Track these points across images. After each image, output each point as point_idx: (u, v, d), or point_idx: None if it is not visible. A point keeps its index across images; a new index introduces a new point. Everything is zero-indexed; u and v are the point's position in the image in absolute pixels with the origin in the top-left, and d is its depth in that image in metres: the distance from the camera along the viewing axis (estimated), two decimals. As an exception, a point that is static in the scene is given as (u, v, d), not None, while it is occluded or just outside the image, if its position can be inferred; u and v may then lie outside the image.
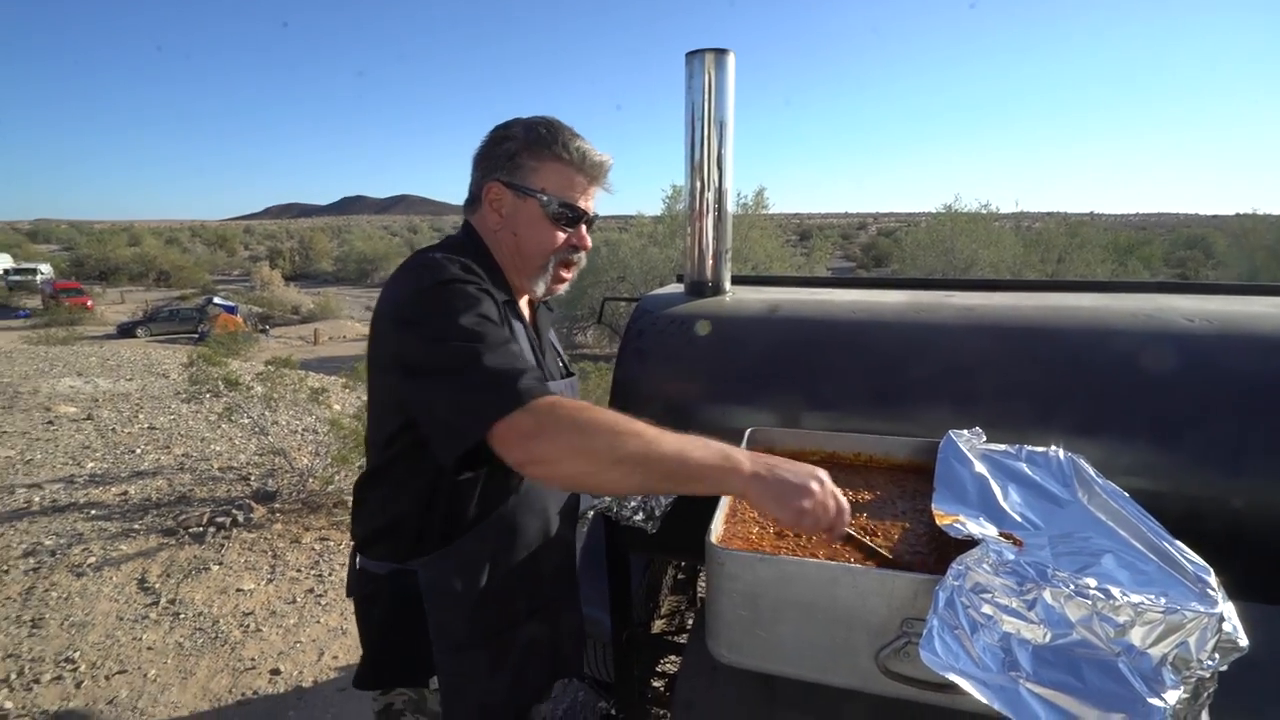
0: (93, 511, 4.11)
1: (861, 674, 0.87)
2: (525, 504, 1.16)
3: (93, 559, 3.51)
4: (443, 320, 0.96)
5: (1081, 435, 1.33)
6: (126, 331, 21.90)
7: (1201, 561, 0.81)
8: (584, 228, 1.20)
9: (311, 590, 3.26)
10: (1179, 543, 0.85)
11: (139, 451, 5.32)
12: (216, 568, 3.43)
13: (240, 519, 3.89)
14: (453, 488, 1.08)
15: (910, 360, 1.53)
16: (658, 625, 2.28)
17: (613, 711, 2.09)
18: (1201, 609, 0.72)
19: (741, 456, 0.88)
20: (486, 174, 1.16)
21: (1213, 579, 0.77)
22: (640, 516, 1.29)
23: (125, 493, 4.43)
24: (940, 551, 0.96)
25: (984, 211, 18.10)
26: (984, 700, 0.72)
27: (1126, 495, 0.98)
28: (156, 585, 3.27)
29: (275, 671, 2.66)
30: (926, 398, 1.48)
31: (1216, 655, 0.73)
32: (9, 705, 2.45)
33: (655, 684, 2.14)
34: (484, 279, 1.06)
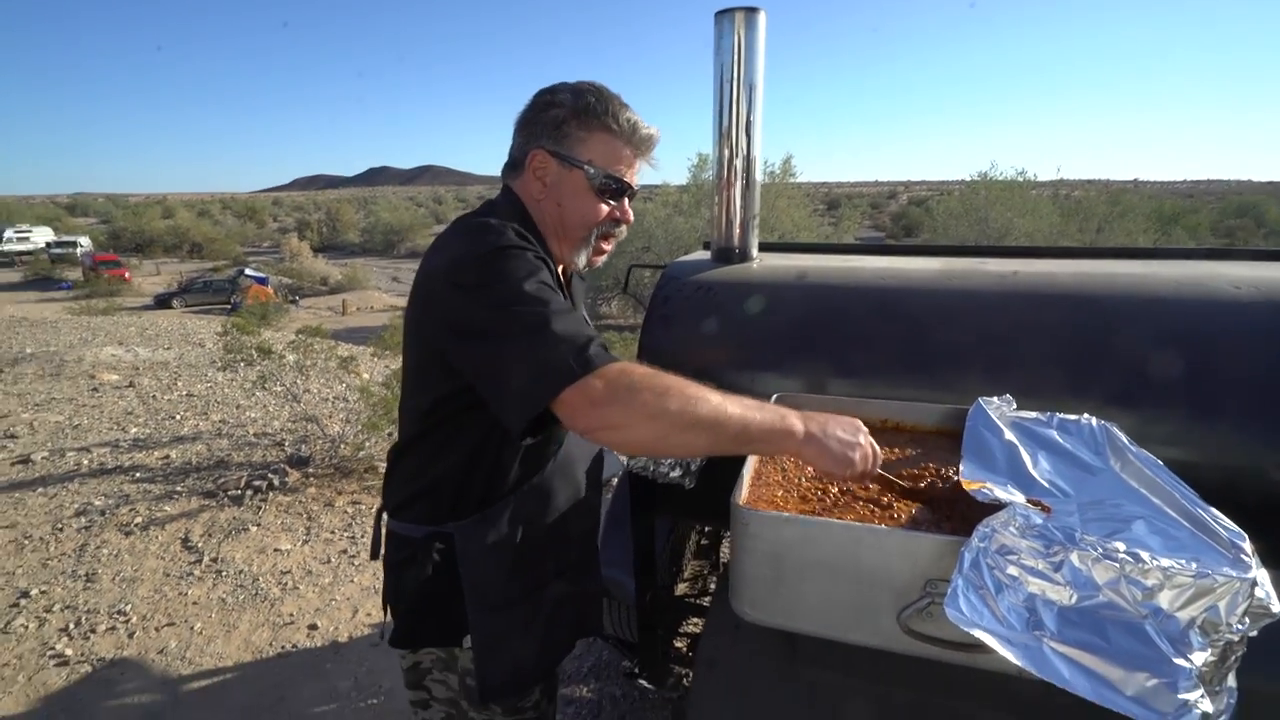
0: (137, 474, 4.29)
1: (883, 633, 0.88)
2: (560, 470, 1.18)
3: (139, 519, 3.67)
4: (507, 284, 0.96)
5: (1117, 404, 1.30)
6: (163, 302, 22.52)
7: (1237, 528, 0.79)
8: (627, 201, 1.19)
9: (345, 551, 3.37)
10: (1214, 510, 0.84)
11: (179, 417, 5.51)
12: (255, 528, 3.57)
13: (276, 483, 4.02)
14: (495, 454, 1.10)
15: (941, 327, 1.51)
16: (680, 588, 2.32)
17: (635, 670, 2.14)
18: (1234, 574, 0.71)
19: (795, 418, 0.92)
20: (531, 140, 1.13)
21: (1248, 545, 0.76)
22: (677, 473, 1.29)
23: (167, 456, 4.61)
24: (965, 516, 0.95)
25: (1020, 179, 17.49)
26: (1008, 657, 0.72)
27: (1160, 463, 0.96)
28: (199, 544, 3.41)
29: (313, 627, 2.78)
30: (957, 365, 1.46)
31: (1247, 620, 0.72)
32: (69, 652, 2.60)
33: (678, 644, 2.19)
34: (536, 245, 1.05)
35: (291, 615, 2.85)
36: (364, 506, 3.86)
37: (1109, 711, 0.69)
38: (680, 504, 1.58)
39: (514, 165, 1.18)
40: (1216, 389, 1.28)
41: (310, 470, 4.25)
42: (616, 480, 2.13)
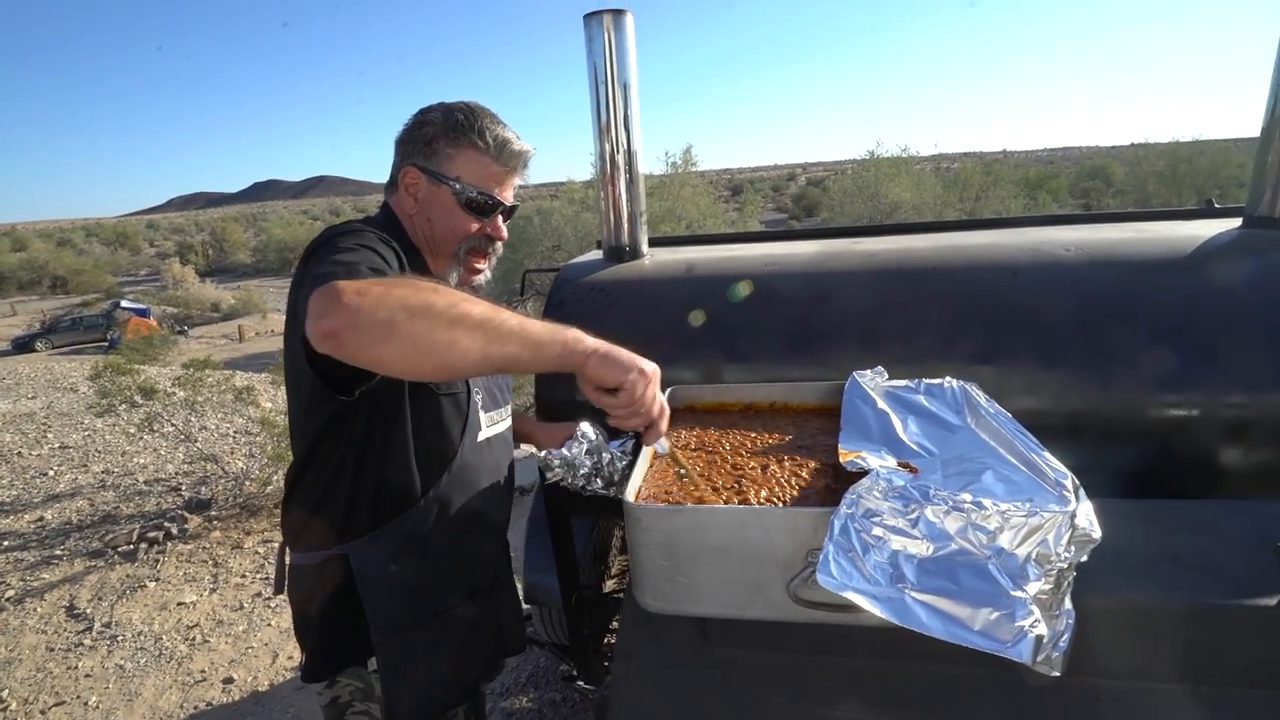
0: (5, 543, 3.86)
1: (776, 605, 0.93)
2: (457, 483, 1.16)
3: (11, 592, 3.31)
4: (331, 250, 0.96)
5: (977, 363, 1.43)
6: (23, 346, 20.18)
7: (1062, 467, 0.89)
8: (500, 218, 1.20)
9: (259, 594, 3.18)
10: (1047, 453, 0.94)
11: (52, 473, 4.99)
12: (153, 584, 3.30)
13: (174, 531, 3.73)
14: (378, 466, 1.07)
15: (819, 308, 1.60)
16: (610, 585, 2.34)
17: (572, 673, 2.15)
18: (1057, 509, 0.81)
19: (578, 337, 0.88)
20: (405, 158, 1.15)
21: (1069, 481, 0.86)
22: (599, 484, 1.24)
23: (41, 518, 4.17)
24: (844, 484, 1.02)
25: (905, 155, 18.59)
26: (875, 612, 0.79)
27: (1008, 415, 1.07)
28: (88, 610, 3.12)
29: (228, 680, 2.61)
30: (837, 342, 1.55)
31: (1073, 548, 0.82)
32: (-62, 753, 2.33)
33: (611, 641, 2.21)
34: (393, 243, 1.05)
35: (203, 671, 2.67)
36: (276, 544, 3.65)
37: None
38: (597, 503, 1.60)
39: (392, 183, 1.19)
40: (1054, 341, 1.43)
41: (213, 513, 3.97)
42: (535, 487, 2.12)
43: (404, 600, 1.12)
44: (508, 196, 1.19)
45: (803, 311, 1.61)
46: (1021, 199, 18.62)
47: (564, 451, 1.19)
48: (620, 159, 1.83)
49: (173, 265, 35.51)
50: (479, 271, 1.22)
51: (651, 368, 0.94)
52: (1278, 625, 0.92)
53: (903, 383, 1.23)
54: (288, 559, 1.18)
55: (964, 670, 0.97)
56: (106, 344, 19.10)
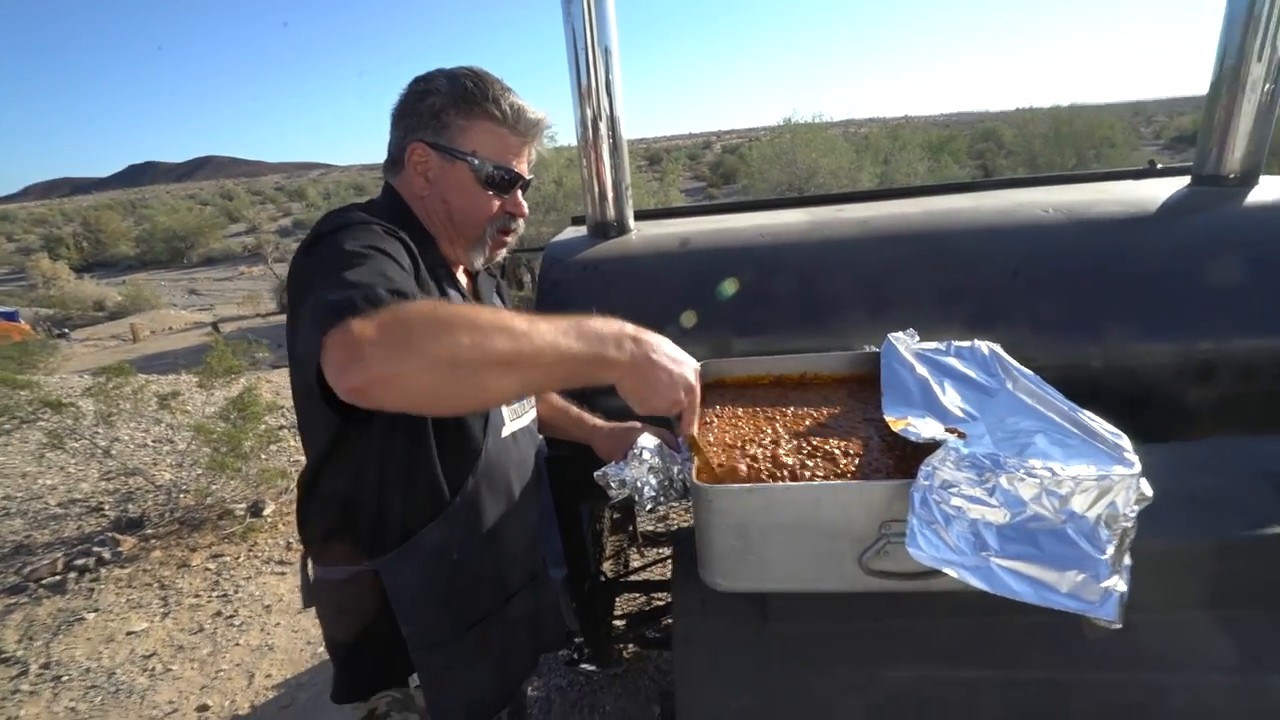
0: (-102, 587, 3.41)
1: (848, 578, 0.95)
2: (486, 483, 1.10)
3: (-82, 643, 2.94)
4: (331, 247, 0.87)
5: (980, 325, 1.49)
6: None
7: (1115, 429, 0.95)
8: (519, 193, 1.12)
9: (219, 613, 2.97)
10: (1089, 412, 1.00)
11: (-61, 504, 4.43)
12: (92, 615, 3.01)
13: (107, 555, 3.40)
14: (404, 473, 1.01)
15: (822, 276, 1.62)
16: (606, 567, 2.34)
17: (575, 656, 2.15)
18: (1126, 471, 0.85)
19: (611, 347, 0.81)
20: (409, 133, 1.04)
21: (1126, 441, 0.92)
22: (669, 498, 1.12)
23: (-63, 556, 3.71)
24: (897, 452, 1.05)
25: (817, 122, 19.06)
26: (968, 580, 0.81)
27: (1039, 377, 1.12)
28: (18, 653, 2.81)
29: (203, 708, 2.43)
30: (842, 311, 1.58)
31: (1135, 507, 0.87)
32: None
33: (615, 622, 2.22)
34: (401, 233, 0.96)
35: (171, 702, 2.47)
36: (228, 558, 3.40)
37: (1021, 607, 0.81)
38: (598, 488, 1.58)
39: (394, 161, 1.08)
40: (1043, 299, 1.51)
41: (148, 532, 3.65)
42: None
43: (441, 614, 1.07)
44: (525, 169, 1.11)
45: (805, 281, 1.62)
46: (926, 161, 19.57)
47: (624, 473, 1.07)
48: (604, 126, 1.76)
49: (40, 261, 31.72)
50: (503, 248, 1.15)
51: (692, 374, 0.91)
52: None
53: (932, 345, 1.26)
54: (310, 571, 1.11)
55: (1011, 619, 1.04)
56: (-29, 354, 16.99)
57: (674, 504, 1.19)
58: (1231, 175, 1.64)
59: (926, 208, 1.82)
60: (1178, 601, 1.03)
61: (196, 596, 3.10)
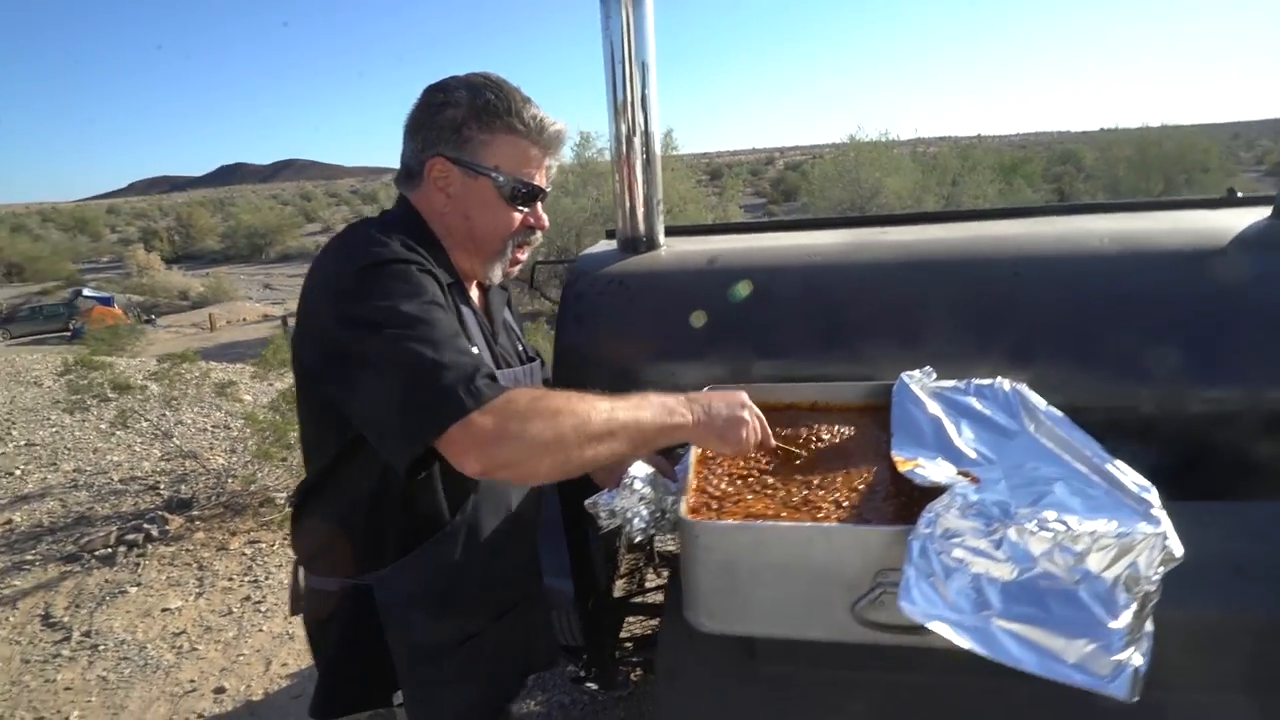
0: (-27, 547, 3.68)
1: (839, 626, 0.89)
2: (487, 501, 1.08)
3: (-18, 600, 3.16)
4: (385, 304, 0.86)
5: (1019, 360, 1.39)
6: (-20, 337, 19.44)
7: (1143, 480, 0.85)
8: (539, 205, 1.10)
9: (248, 598, 3.07)
10: (1120, 462, 0.90)
11: (19, 473, 4.77)
12: (134, 589, 3.17)
13: (155, 533, 3.58)
14: (406, 491, 0.99)
15: (853, 301, 1.55)
16: (619, 584, 2.30)
17: (581, 674, 2.11)
18: (1150, 529, 0.76)
19: (681, 407, 0.94)
20: (427, 146, 1.01)
21: (1154, 496, 0.82)
22: (659, 531, 1.08)
23: (9, 521, 3.98)
24: (904, 495, 0.97)
25: (884, 140, 18.65)
26: (963, 644, 0.74)
27: (1068, 419, 1.02)
28: (65, 619, 2.98)
29: (220, 690, 2.51)
30: (874, 337, 1.50)
31: (1160, 569, 0.78)
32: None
33: (622, 642, 2.17)
34: (427, 259, 0.96)
35: (193, 681, 2.56)
36: (264, 545, 3.53)
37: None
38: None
39: (410, 175, 1.06)
40: (1093, 335, 1.39)
41: (195, 513, 3.83)
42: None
43: (431, 631, 1.05)
44: (545, 181, 1.08)
45: (835, 305, 1.55)
46: (997, 184, 18.84)
47: (614, 502, 1.03)
48: (638, 142, 1.74)
49: (137, 252, 34.28)
50: (520, 263, 1.13)
51: (747, 415, 0.99)
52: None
53: (951, 383, 1.18)
54: (302, 579, 1.10)
55: (1013, 684, 0.94)
56: (69, 334, 18.45)
57: (667, 536, 1.14)
58: (1321, 209, 1.48)
59: (973, 233, 1.72)
60: (1209, 682, 0.91)
61: (230, 580, 3.22)
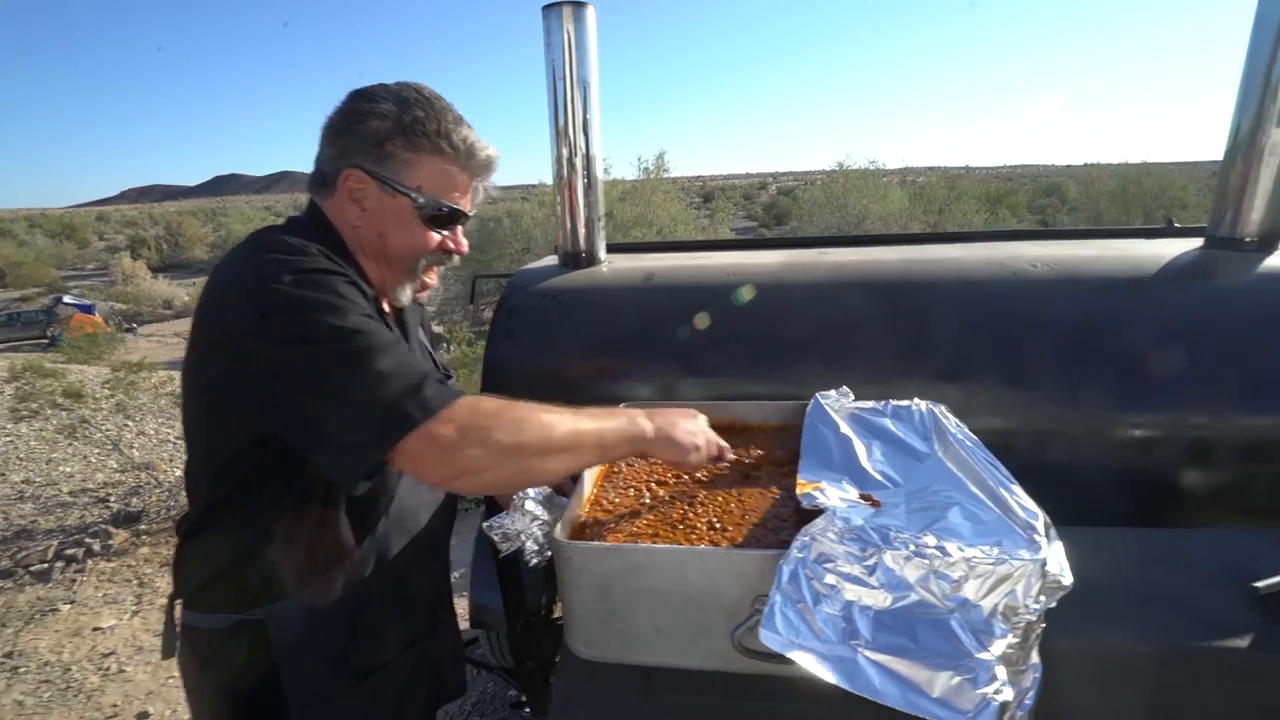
0: (-96, 560, 3.54)
1: (720, 655, 0.85)
2: (396, 526, 1.02)
3: (-94, 616, 3.03)
4: (317, 318, 0.81)
5: (945, 380, 1.36)
6: (-47, 343, 19.10)
7: (1032, 506, 0.82)
8: (459, 230, 1.05)
9: (185, 616, 2.96)
10: (1016, 487, 0.87)
11: (-35, 482, 4.64)
12: (66, 607, 3.05)
13: (96, 548, 3.47)
14: (310, 519, 0.93)
15: (785, 321, 1.53)
16: (559, 610, 2.23)
17: (521, 699, 2.03)
18: (1027, 556, 0.73)
19: (642, 418, 0.93)
20: (345, 155, 0.96)
21: (1040, 522, 0.78)
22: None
23: (-52, 532, 3.85)
24: (804, 517, 0.93)
25: (872, 168, 18.93)
26: (823, 675, 0.70)
27: (977, 441, 0.99)
28: (-9, 636, 2.86)
29: (143, 715, 2.39)
30: (802, 357, 1.48)
31: (1043, 598, 0.74)
32: None
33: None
34: (348, 270, 0.91)
35: (115, 706, 2.44)
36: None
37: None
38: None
39: (324, 182, 0.99)
40: (1022, 359, 1.37)
41: (142, 527, 3.71)
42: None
43: (331, 666, 0.98)
44: (469, 204, 1.03)
45: (766, 324, 1.53)
46: (983, 213, 19.15)
47: (506, 523, 1.02)
48: (578, 162, 1.73)
49: (123, 260, 33.93)
50: (430, 285, 1.08)
51: (703, 432, 1.00)
52: (1253, 669, 0.86)
53: (869, 404, 1.15)
54: (178, 616, 1.01)
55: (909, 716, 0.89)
56: (47, 341, 18.16)
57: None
58: (1248, 239, 1.48)
59: (911, 256, 1.70)
60: (1113, 712, 0.87)
61: (168, 598, 3.11)
